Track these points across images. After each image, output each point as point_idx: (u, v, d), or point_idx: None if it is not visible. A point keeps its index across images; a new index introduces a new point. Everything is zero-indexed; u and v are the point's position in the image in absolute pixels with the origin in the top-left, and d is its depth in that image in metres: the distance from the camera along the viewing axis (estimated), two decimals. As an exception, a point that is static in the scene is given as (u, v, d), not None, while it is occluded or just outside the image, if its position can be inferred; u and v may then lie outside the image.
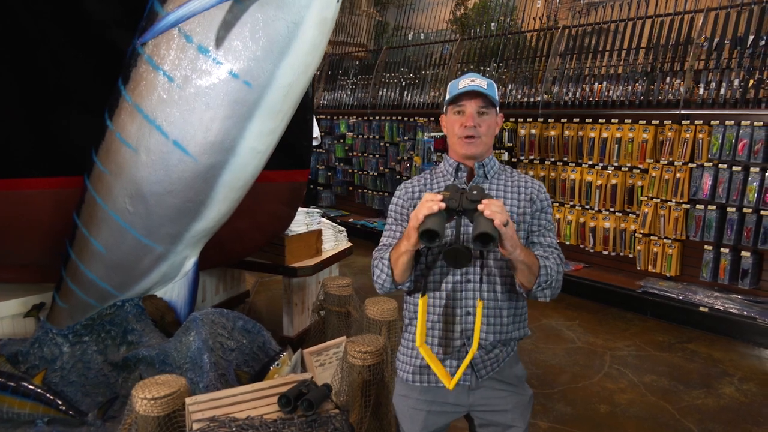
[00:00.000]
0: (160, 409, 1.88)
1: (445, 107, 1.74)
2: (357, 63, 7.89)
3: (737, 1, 4.41)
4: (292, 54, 2.23)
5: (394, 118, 6.95)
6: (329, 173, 8.07)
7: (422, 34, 7.20)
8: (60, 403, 2.60)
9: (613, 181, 4.90)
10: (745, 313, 4.08)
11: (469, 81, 1.65)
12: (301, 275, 3.66)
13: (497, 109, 1.68)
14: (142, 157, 2.41)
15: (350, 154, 7.67)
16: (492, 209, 1.37)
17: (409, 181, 1.78)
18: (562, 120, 5.17)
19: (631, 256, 4.88)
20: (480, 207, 1.37)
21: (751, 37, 4.25)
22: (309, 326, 3.80)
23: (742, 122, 4.12)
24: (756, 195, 4.08)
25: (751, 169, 4.11)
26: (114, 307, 2.90)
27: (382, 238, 1.75)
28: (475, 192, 1.42)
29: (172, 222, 2.58)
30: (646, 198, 4.69)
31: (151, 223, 2.57)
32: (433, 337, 1.68)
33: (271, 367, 2.64)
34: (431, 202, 1.42)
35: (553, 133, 5.24)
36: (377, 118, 7.17)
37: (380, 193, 7.32)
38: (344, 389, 2.35)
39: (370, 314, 2.82)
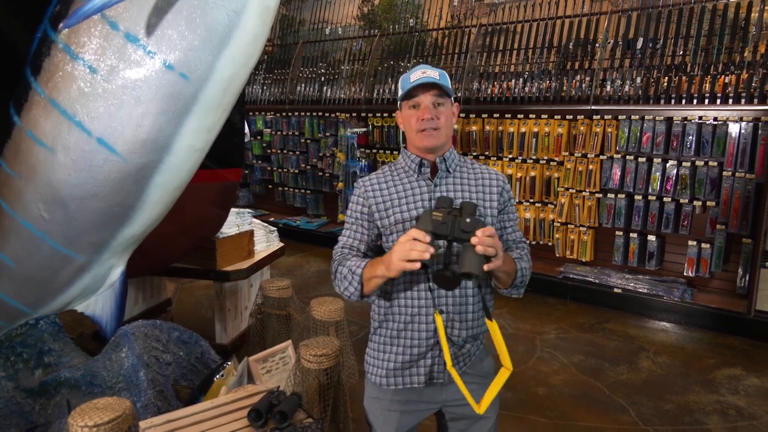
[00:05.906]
0: (104, 437, 1.69)
1: (399, 103, 1.70)
2: (266, 57, 7.63)
3: (636, 5, 4.78)
4: (232, 45, 2.07)
5: (314, 114, 6.82)
6: (246, 171, 7.76)
7: (340, 29, 7.11)
8: (-32, 441, 2.27)
9: (532, 174, 5.14)
10: (653, 292, 4.45)
11: (421, 73, 1.62)
12: (235, 279, 3.48)
13: (452, 99, 1.67)
14: (60, 157, 2.15)
15: (268, 151, 7.43)
16: (485, 244, 1.32)
17: (366, 177, 1.73)
18: (483, 115, 5.34)
19: (550, 244, 5.16)
20: (473, 240, 1.30)
21: (644, 39, 4.62)
22: (244, 332, 3.63)
23: (646, 117, 4.48)
24: (659, 183, 4.46)
25: (654, 160, 4.49)
26: (26, 327, 2.57)
27: (341, 238, 1.70)
28: (468, 220, 1.35)
29: (97, 229, 2.32)
30: (562, 189, 4.96)
31: (71, 231, 2.30)
32: (403, 338, 1.65)
33: (215, 378, 2.47)
34: (417, 251, 1.35)
35: (474, 127, 5.40)
36: (296, 114, 7.00)
37: (301, 190, 7.17)
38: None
39: (317, 315, 2.73)
